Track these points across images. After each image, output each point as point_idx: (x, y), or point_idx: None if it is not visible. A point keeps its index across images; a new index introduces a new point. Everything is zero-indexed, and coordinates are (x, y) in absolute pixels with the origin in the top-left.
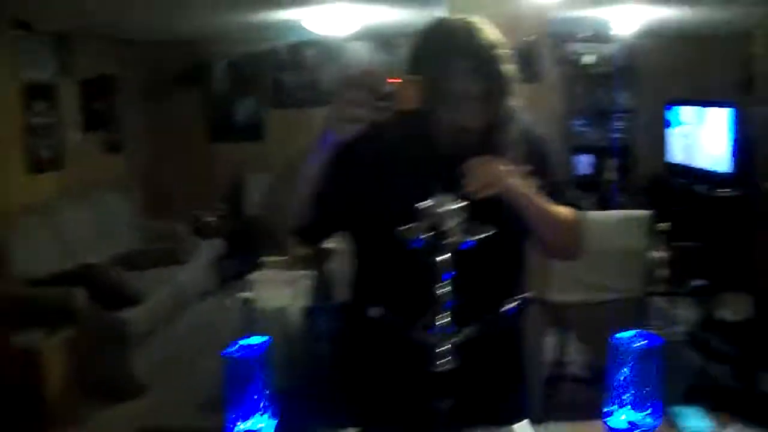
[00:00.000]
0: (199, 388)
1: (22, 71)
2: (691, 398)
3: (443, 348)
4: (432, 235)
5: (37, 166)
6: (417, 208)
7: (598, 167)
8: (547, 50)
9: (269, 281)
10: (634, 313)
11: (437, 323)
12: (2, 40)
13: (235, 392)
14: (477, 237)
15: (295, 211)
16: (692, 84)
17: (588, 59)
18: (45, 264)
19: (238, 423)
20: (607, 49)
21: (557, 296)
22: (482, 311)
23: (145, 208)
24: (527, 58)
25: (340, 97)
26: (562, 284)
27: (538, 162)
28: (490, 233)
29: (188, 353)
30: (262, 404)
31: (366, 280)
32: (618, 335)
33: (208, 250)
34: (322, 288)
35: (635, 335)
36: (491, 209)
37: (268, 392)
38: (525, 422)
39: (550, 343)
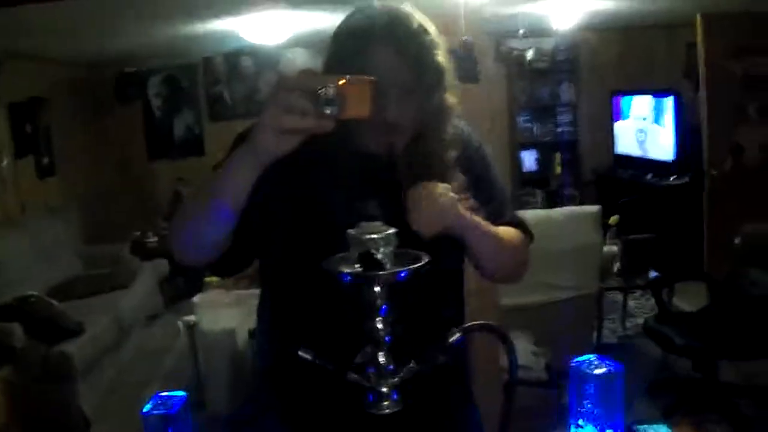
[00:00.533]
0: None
1: None
2: (653, 392)
3: (384, 389)
4: (363, 267)
5: None
6: (347, 234)
7: (544, 162)
8: (486, 48)
9: (214, 303)
10: (591, 309)
11: (374, 363)
12: None
13: None
14: (413, 267)
15: (208, 243)
16: (635, 74)
17: (528, 55)
18: None
19: None
20: (547, 43)
21: (510, 299)
22: (424, 345)
23: (82, 232)
24: (466, 57)
25: (275, 103)
26: (514, 286)
27: (476, 168)
28: (426, 261)
29: (134, 382)
30: None
31: (285, 314)
32: (576, 360)
33: (151, 271)
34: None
35: (594, 359)
36: (413, 243)
37: None
38: None
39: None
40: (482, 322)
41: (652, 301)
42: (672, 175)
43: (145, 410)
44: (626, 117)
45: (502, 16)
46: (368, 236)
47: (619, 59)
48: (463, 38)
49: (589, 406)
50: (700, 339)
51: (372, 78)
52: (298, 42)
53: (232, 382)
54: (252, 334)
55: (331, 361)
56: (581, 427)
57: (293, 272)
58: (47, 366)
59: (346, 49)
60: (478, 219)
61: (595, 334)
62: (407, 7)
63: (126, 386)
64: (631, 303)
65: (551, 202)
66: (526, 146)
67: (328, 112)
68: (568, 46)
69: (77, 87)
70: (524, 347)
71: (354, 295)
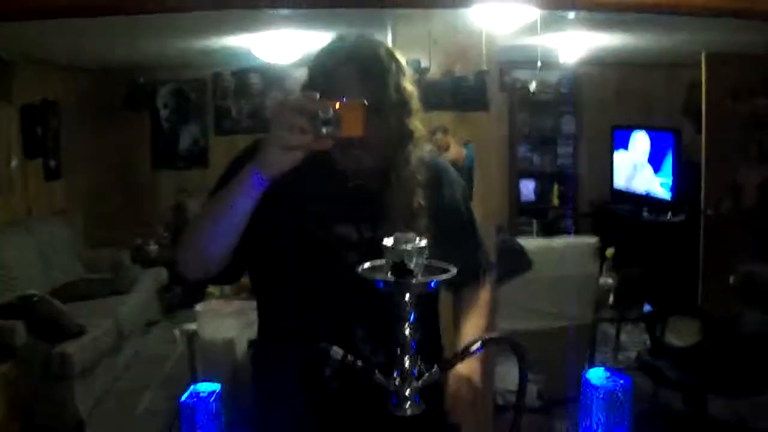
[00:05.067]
0: (140, 422)
1: None
2: (642, 425)
3: (408, 391)
4: (395, 275)
5: None
6: (383, 245)
7: (543, 193)
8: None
9: (215, 312)
10: (584, 340)
11: (399, 366)
12: None
13: None
14: (440, 277)
15: (216, 258)
16: (637, 110)
17: (532, 87)
18: None
19: None
20: (552, 76)
21: (505, 324)
22: (440, 353)
23: (86, 236)
24: (478, 87)
25: (280, 124)
26: (510, 312)
27: (437, 188)
28: (453, 272)
29: (129, 386)
30: None
31: (272, 319)
32: (588, 373)
33: (150, 279)
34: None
35: (605, 374)
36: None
37: None
38: None
39: (499, 372)
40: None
41: (645, 335)
42: (669, 212)
43: (182, 399)
44: (626, 152)
45: (509, 46)
46: (402, 247)
47: (621, 95)
48: (483, 69)
49: (597, 418)
50: (692, 374)
51: (364, 102)
52: (306, 62)
53: (230, 392)
54: (251, 344)
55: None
56: None
57: (276, 279)
58: (47, 365)
59: (318, 69)
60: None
61: (586, 365)
62: (379, 38)
63: (122, 390)
64: (623, 336)
65: (547, 232)
66: (525, 176)
67: (325, 131)
68: (572, 79)
69: (88, 93)
70: (516, 372)
71: (332, 299)
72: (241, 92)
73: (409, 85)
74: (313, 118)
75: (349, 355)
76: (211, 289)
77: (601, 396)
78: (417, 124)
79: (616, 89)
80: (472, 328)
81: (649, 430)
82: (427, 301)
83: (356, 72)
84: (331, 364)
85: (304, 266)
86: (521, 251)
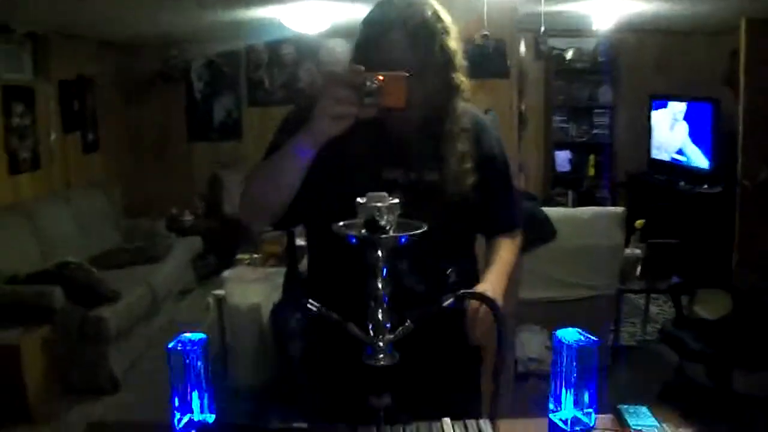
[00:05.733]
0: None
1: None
2: (665, 397)
3: (380, 344)
4: (367, 231)
5: (17, 166)
6: (355, 202)
7: (578, 163)
8: (523, 45)
9: (242, 278)
10: (609, 310)
11: (373, 319)
12: None
13: (178, 385)
14: (411, 233)
15: (276, 206)
16: (674, 79)
17: (568, 55)
18: (24, 263)
19: (180, 416)
20: (588, 44)
21: (527, 293)
22: (419, 306)
23: (122, 206)
24: (495, 53)
25: (327, 95)
26: (532, 280)
27: (492, 166)
28: (423, 230)
29: (163, 351)
30: (202, 398)
31: (313, 276)
32: (559, 332)
33: (185, 248)
34: (292, 285)
35: (576, 333)
36: (414, 191)
37: (208, 387)
38: (446, 420)
39: (520, 339)
40: (478, 291)
41: (672, 307)
42: (705, 183)
43: (169, 346)
44: (663, 121)
45: (544, 13)
46: (374, 204)
47: (659, 63)
48: (483, 32)
49: (569, 376)
50: (714, 346)
51: (406, 74)
52: (338, 32)
53: (256, 356)
54: (275, 308)
55: (338, 316)
56: (563, 398)
57: (321, 238)
58: (83, 328)
59: (366, 36)
60: (502, 284)
61: (611, 336)
62: (427, 2)
63: (155, 355)
64: (654, 309)
65: (582, 203)
66: (560, 146)
67: (369, 102)
68: (609, 47)
69: (123, 67)
70: (538, 340)
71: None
72: (274, 63)
73: (453, 43)
74: (358, 90)
75: (323, 308)
76: (240, 256)
77: (573, 353)
78: (461, 77)
79: (655, 57)
80: (503, 253)
81: (671, 403)
82: (464, 245)
83: (404, 37)
84: (309, 315)
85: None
86: (545, 220)
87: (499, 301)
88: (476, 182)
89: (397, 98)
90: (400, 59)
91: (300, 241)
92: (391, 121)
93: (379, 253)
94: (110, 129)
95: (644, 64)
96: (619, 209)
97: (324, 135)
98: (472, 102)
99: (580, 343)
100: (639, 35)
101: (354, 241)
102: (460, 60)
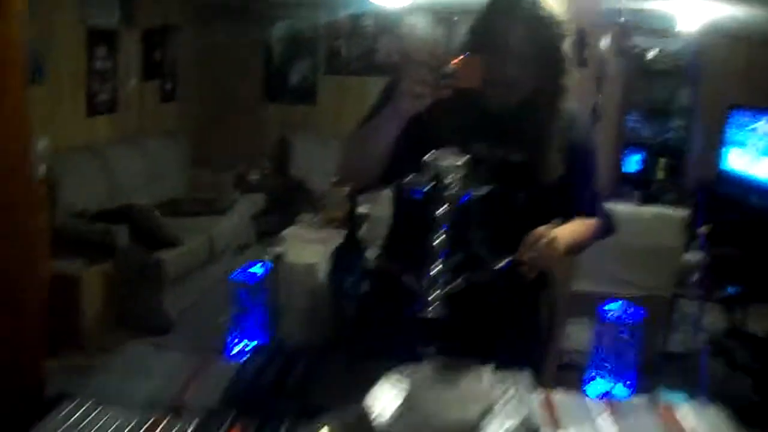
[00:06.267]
0: (221, 334)
1: (87, 17)
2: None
3: (433, 296)
4: (432, 187)
5: (95, 108)
6: (422, 161)
7: (648, 165)
8: (604, 39)
9: (301, 238)
10: (661, 313)
11: (430, 272)
12: None
13: (238, 314)
14: (476, 193)
15: (365, 167)
16: (756, 89)
17: (650, 54)
18: (93, 201)
19: (238, 342)
20: (673, 45)
21: (581, 286)
22: (476, 266)
23: (192, 157)
24: (578, 42)
25: (409, 75)
26: (587, 274)
27: (581, 156)
28: (489, 190)
29: (216, 301)
30: (260, 325)
31: (388, 234)
32: (605, 306)
33: (248, 204)
34: (349, 248)
35: (621, 306)
36: (498, 169)
37: (266, 315)
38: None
39: (570, 331)
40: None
41: (725, 317)
42: None
43: (232, 275)
44: (742, 133)
45: (629, 10)
46: (440, 163)
47: (741, 71)
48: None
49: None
50: (762, 361)
51: (479, 58)
52: (419, 7)
53: (308, 315)
54: (331, 268)
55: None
56: (600, 370)
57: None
58: (143, 269)
59: (484, 21)
60: (568, 240)
61: (662, 339)
62: None
63: (208, 303)
64: (706, 317)
65: (647, 205)
66: (631, 146)
67: (446, 83)
68: (694, 50)
69: (207, 20)
70: (585, 334)
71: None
72: (354, 34)
73: (566, 44)
74: (434, 71)
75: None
76: (302, 216)
77: (612, 323)
78: (570, 69)
79: (741, 65)
80: (578, 222)
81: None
82: (514, 214)
83: (517, 28)
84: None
85: None
86: (606, 214)
87: (561, 249)
88: (563, 171)
89: (472, 79)
90: (510, 46)
91: (362, 209)
92: (494, 98)
93: (442, 209)
94: (188, 81)
95: (729, 70)
96: (683, 212)
97: (406, 111)
98: None
99: (622, 315)
100: (727, 41)
101: (418, 195)
102: (566, 49)
